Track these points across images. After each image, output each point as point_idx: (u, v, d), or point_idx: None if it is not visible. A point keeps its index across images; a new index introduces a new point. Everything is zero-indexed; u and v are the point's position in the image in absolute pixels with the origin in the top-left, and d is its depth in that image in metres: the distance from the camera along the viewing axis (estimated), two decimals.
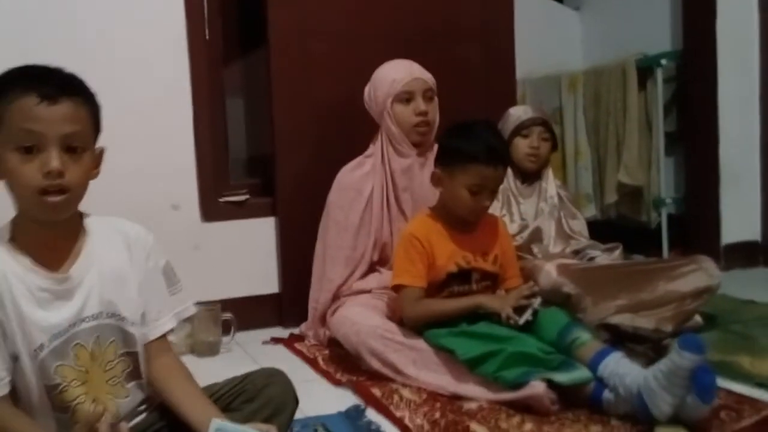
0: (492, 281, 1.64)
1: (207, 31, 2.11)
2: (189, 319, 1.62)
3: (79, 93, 0.96)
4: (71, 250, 1.00)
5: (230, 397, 1.08)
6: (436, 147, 1.91)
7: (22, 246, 0.97)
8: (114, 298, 1.02)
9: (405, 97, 1.86)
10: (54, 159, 0.91)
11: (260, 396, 1.07)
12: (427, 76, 1.88)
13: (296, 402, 1.12)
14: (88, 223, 1.03)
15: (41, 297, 0.96)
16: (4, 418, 0.93)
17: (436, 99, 1.90)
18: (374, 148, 1.95)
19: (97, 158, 1.00)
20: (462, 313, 1.54)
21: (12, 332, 0.94)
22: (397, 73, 1.87)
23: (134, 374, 1.05)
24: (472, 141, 1.55)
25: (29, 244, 0.97)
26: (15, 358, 0.95)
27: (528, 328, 1.49)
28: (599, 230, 2.29)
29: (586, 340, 1.43)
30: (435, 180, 1.64)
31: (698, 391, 1.22)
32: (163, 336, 1.09)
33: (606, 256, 2.02)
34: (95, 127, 0.99)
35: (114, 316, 1.02)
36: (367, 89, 1.96)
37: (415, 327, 1.58)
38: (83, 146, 0.95)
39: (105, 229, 1.04)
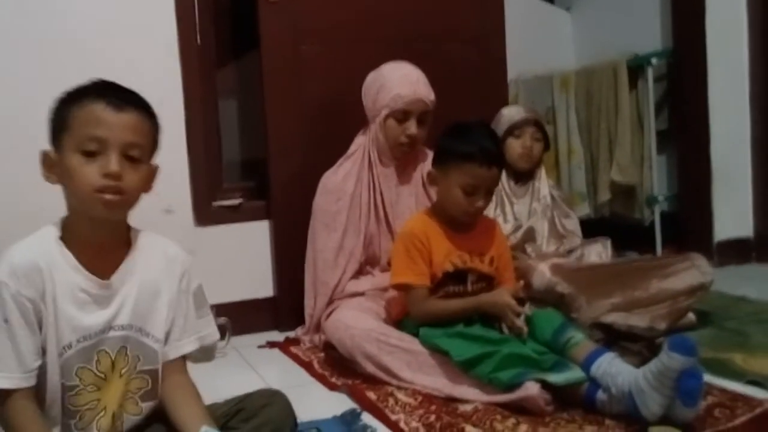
0: (487, 283, 1.65)
1: (198, 36, 2.11)
2: None
3: (144, 108, 1.02)
4: (114, 258, 1.03)
5: (229, 416, 1.08)
6: (420, 156, 1.94)
7: (70, 245, 1.00)
8: (145, 312, 1.04)
9: (400, 116, 1.84)
10: (113, 163, 0.96)
11: (259, 415, 1.07)
12: (430, 97, 1.85)
13: (295, 424, 1.11)
14: (134, 236, 1.07)
15: (80, 297, 0.99)
16: (20, 424, 0.94)
17: (429, 118, 1.88)
18: (357, 145, 1.95)
19: (152, 174, 1.05)
20: (467, 313, 1.54)
21: (47, 325, 0.97)
22: (402, 89, 1.83)
23: (151, 394, 1.06)
24: (467, 141, 1.57)
25: (77, 244, 1.00)
26: (43, 352, 0.97)
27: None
28: (593, 228, 2.31)
29: (579, 340, 1.43)
30: (431, 179, 1.65)
31: (682, 395, 1.22)
32: (182, 357, 1.09)
33: (599, 247, 2.02)
34: (154, 144, 1.04)
35: (141, 331, 1.04)
36: (370, 80, 1.91)
37: (422, 324, 1.58)
38: (141, 157, 1.00)
39: (148, 244, 1.07)
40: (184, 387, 1.07)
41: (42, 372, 0.97)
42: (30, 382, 0.96)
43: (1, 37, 1.86)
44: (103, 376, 1.01)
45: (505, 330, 1.50)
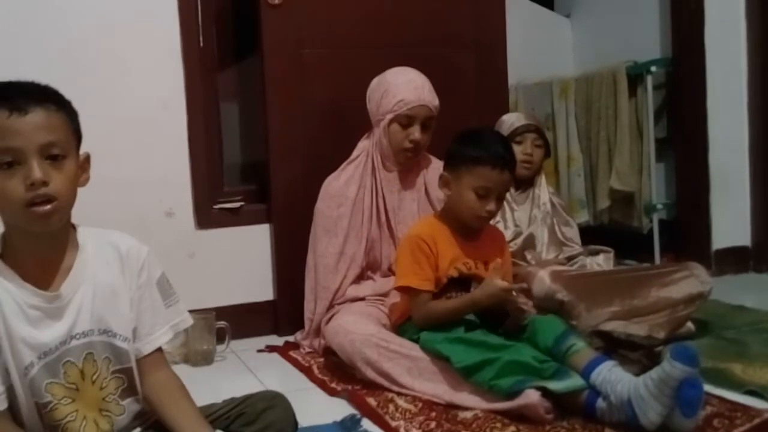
0: None
1: (201, 39, 2.11)
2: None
3: (50, 101, 0.94)
4: (62, 266, 0.99)
5: (229, 419, 1.06)
6: (423, 161, 1.95)
7: (12, 262, 0.96)
8: (105, 314, 1.00)
9: (404, 121, 1.85)
10: (35, 170, 0.90)
11: (260, 419, 1.05)
12: (434, 103, 1.86)
13: (296, 427, 1.11)
14: (81, 236, 1.02)
15: (32, 314, 0.95)
16: None
17: (433, 123, 1.89)
18: (361, 149, 1.95)
19: (83, 164, 0.99)
20: (465, 311, 1.55)
21: (3, 349, 0.94)
22: (407, 94, 1.83)
23: (129, 391, 1.03)
24: (480, 145, 1.59)
25: (19, 259, 0.96)
26: (7, 373, 0.95)
27: (523, 333, 1.50)
28: (592, 236, 2.31)
29: (580, 348, 1.43)
30: (443, 182, 1.66)
31: (682, 405, 1.22)
32: (158, 350, 1.06)
33: (600, 260, 2.03)
34: (75, 134, 0.97)
35: (105, 333, 1.00)
36: (374, 85, 1.91)
37: (423, 328, 1.58)
38: (63, 153, 0.94)
39: (97, 243, 1.02)
40: (169, 384, 1.04)
41: (12, 393, 0.95)
42: (0, 404, 0.94)
43: (3, 38, 1.87)
44: (74, 387, 0.98)
45: (513, 318, 1.49)
